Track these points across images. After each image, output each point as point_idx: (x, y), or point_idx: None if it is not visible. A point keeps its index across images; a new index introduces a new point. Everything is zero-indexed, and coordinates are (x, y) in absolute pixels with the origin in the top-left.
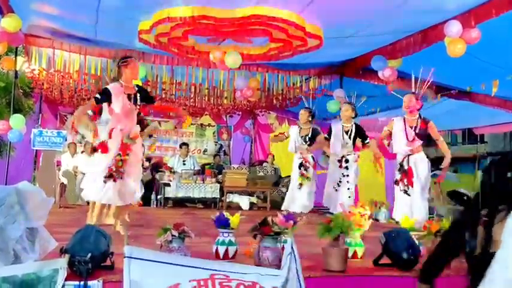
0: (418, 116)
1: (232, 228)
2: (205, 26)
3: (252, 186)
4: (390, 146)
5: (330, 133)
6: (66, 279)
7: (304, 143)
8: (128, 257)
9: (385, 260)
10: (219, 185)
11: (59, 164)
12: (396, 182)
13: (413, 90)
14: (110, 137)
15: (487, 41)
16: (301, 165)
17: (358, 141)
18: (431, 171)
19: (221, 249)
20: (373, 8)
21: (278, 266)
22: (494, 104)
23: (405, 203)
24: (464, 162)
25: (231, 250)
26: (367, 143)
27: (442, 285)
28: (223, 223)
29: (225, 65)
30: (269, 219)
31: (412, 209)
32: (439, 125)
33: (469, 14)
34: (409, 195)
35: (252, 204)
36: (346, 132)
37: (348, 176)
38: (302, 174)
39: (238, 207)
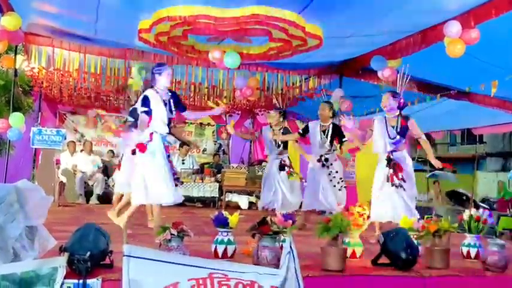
0: (398, 114)
1: (231, 228)
2: (205, 25)
3: (251, 185)
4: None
5: (304, 131)
6: (65, 278)
7: (277, 146)
8: (127, 255)
9: (384, 260)
10: (218, 184)
11: (58, 162)
12: (389, 179)
13: (398, 87)
14: (150, 139)
15: (486, 42)
16: (282, 167)
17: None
18: (430, 171)
19: (220, 248)
20: (372, 8)
21: (277, 265)
22: (494, 105)
23: (391, 200)
24: (463, 163)
25: (230, 249)
26: (345, 141)
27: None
28: (222, 222)
29: (224, 64)
30: (268, 218)
31: (397, 208)
32: (438, 125)
33: (469, 14)
34: (404, 189)
35: (251, 204)
36: (323, 132)
37: (332, 172)
38: (290, 173)
39: (237, 207)
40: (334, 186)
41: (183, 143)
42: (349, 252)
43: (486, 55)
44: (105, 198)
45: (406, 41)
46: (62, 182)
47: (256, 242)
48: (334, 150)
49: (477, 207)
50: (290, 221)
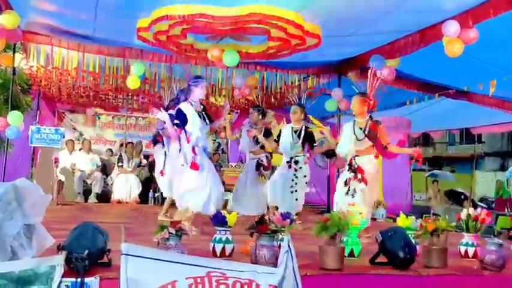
0: (368, 117)
1: (229, 226)
2: (204, 24)
3: None
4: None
5: (279, 137)
6: (63, 276)
7: (256, 144)
8: (125, 254)
9: (382, 259)
10: None
11: (56, 161)
12: (345, 183)
13: (368, 86)
14: (194, 153)
15: (485, 41)
16: (258, 165)
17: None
18: (428, 170)
19: (218, 247)
20: (371, 8)
21: (275, 264)
22: (492, 104)
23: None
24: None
25: (228, 248)
26: (316, 145)
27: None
28: (220, 221)
29: (223, 63)
30: (266, 217)
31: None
32: (436, 125)
33: (467, 14)
34: (352, 196)
35: None
36: (295, 132)
37: (296, 177)
38: (261, 174)
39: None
40: (292, 192)
41: None
42: (347, 251)
43: (485, 55)
44: (104, 196)
45: (404, 40)
46: (60, 180)
47: (255, 241)
48: (304, 155)
49: (475, 206)
50: (288, 220)
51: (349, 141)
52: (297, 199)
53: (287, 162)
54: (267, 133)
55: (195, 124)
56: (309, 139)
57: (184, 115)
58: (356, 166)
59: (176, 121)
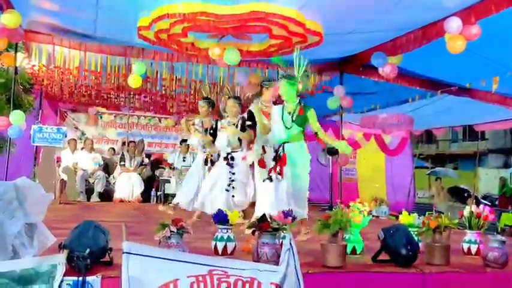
0: (297, 102)
1: (231, 225)
2: (205, 23)
3: None
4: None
5: (215, 129)
6: (64, 275)
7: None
8: (126, 252)
9: (384, 256)
10: None
11: (59, 160)
12: (269, 171)
13: (295, 71)
14: (264, 152)
15: (487, 38)
16: (207, 161)
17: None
18: (431, 168)
19: (220, 245)
20: (373, 5)
21: (276, 262)
22: (495, 101)
23: (269, 195)
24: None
25: (230, 246)
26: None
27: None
28: (222, 219)
29: (224, 61)
30: (268, 215)
31: (277, 201)
32: (439, 122)
33: (469, 10)
34: (275, 186)
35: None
36: (235, 126)
37: (234, 174)
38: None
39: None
40: (227, 190)
41: (183, 140)
42: (349, 248)
43: (487, 51)
44: (106, 195)
45: (406, 37)
46: (62, 179)
47: (256, 239)
48: (242, 150)
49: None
50: (290, 218)
51: (278, 126)
52: (234, 196)
53: (224, 158)
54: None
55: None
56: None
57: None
58: (281, 154)
59: (248, 122)
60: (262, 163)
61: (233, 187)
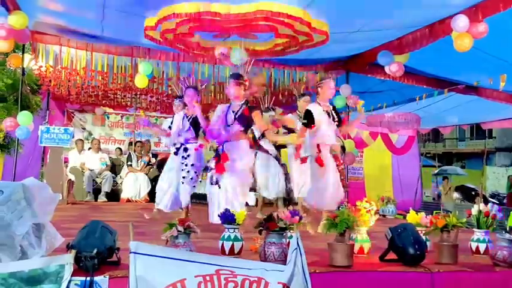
0: (243, 102)
1: (237, 224)
2: (211, 22)
3: None
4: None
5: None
6: (72, 275)
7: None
8: (133, 252)
9: (392, 256)
10: None
11: (66, 160)
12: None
13: (243, 71)
14: (319, 151)
15: (494, 35)
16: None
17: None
18: (438, 166)
19: (227, 245)
20: (379, 2)
21: (284, 262)
22: (502, 99)
23: (214, 197)
24: (472, 158)
25: (237, 246)
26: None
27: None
28: (228, 219)
29: (230, 61)
30: (274, 214)
31: (220, 203)
32: (446, 120)
33: (476, 8)
34: (219, 186)
35: (258, 201)
36: (187, 118)
37: (187, 164)
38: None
39: (245, 203)
40: (183, 183)
41: None
42: (356, 248)
43: (494, 49)
44: (113, 195)
45: (413, 35)
46: (70, 179)
47: (263, 239)
48: (196, 142)
49: (486, 202)
50: (297, 217)
51: (221, 125)
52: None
53: (177, 149)
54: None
55: (319, 123)
56: (196, 125)
57: (312, 114)
58: (221, 153)
59: (304, 121)
60: (320, 161)
61: (182, 182)
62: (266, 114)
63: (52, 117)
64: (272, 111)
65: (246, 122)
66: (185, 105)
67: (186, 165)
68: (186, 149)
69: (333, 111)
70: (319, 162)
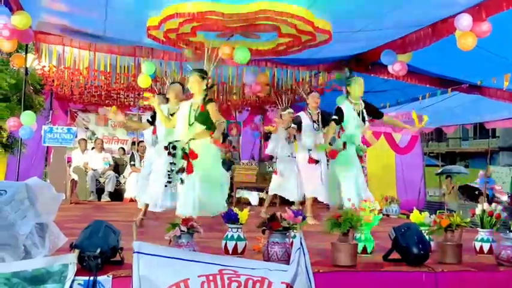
0: (202, 98)
1: (241, 224)
2: (214, 22)
3: (261, 181)
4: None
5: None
6: (76, 274)
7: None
8: (137, 252)
9: (395, 255)
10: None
11: (69, 160)
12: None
13: (207, 66)
14: (344, 147)
15: (498, 34)
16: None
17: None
18: (442, 166)
19: (230, 245)
20: (382, 2)
21: (287, 261)
22: (506, 98)
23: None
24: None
25: (240, 245)
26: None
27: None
28: (232, 218)
29: (233, 60)
30: (278, 214)
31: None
32: (449, 120)
33: (480, 7)
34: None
35: (261, 200)
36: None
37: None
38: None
39: (248, 203)
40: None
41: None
42: (360, 247)
43: (498, 48)
44: (117, 195)
45: (416, 34)
46: (73, 179)
47: (267, 238)
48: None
49: (490, 201)
50: (300, 217)
51: (182, 123)
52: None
53: (165, 147)
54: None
55: (349, 121)
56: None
57: (343, 113)
58: (182, 153)
59: (335, 117)
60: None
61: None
62: (285, 112)
63: (55, 117)
64: (290, 108)
65: (205, 118)
66: (168, 100)
67: (175, 164)
68: (174, 147)
69: (364, 111)
70: (332, 155)
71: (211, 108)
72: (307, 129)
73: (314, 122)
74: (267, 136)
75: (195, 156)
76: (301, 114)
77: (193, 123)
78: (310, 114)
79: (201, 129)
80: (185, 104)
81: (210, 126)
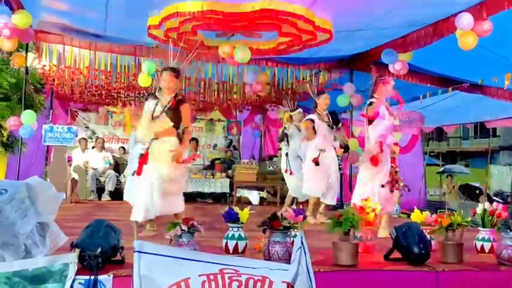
0: (173, 95)
1: (241, 223)
2: (214, 21)
3: (261, 181)
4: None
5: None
6: (76, 274)
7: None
8: (137, 251)
9: (396, 255)
10: (229, 179)
11: (70, 159)
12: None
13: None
14: (381, 150)
15: (499, 34)
16: None
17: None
18: (442, 165)
19: (231, 244)
20: (383, 1)
21: (288, 261)
22: (507, 97)
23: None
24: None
25: (241, 245)
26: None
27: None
28: (232, 218)
29: (234, 59)
30: (278, 213)
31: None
32: (450, 119)
33: (481, 6)
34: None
35: (262, 199)
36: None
37: None
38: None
39: (248, 202)
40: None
41: (192, 138)
42: (361, 247)
43: (499, 47)
44: (117, 194)
45: (417, 33)
46: (74, 178)
47: (267, 238)
48: None
49: (491, 201)
50: (301, 216)
51: (147, 122)
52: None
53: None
54: None
55: (381, 121)
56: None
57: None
58: (143, 154)
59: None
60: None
61: None
62: (295, 112)
63: (55, 116)
64: (299, 108)
65: (175, 116)
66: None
67: None
68: None
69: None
70: (374, 161)
71: (185, 110)
72: (322, 130)
73: (326, 122)
74: (284, 134)
75: (145, 161)
76: (313, 116)
77: (157, 116)
78: (320, 115)
79: (168, 125)
80: (151, 101)
81: (178, 126)
